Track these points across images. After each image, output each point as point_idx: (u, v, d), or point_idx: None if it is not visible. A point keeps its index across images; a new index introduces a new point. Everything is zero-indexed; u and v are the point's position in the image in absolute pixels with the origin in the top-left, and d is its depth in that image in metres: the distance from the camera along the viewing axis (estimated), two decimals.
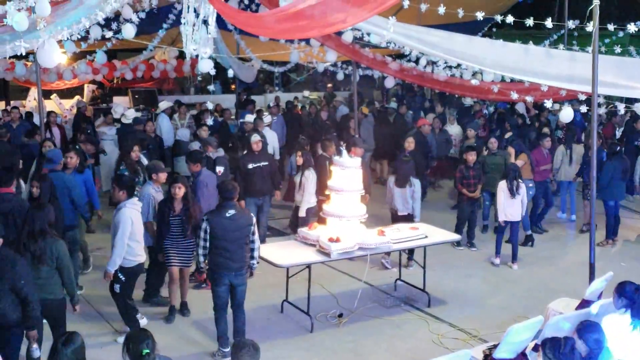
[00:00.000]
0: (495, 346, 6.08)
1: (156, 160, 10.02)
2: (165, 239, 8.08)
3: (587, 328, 5.19)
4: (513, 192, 10.09)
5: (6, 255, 5.94)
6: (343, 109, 18.65)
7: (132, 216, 7.44)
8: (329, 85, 25.02)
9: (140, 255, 7.63)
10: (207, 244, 7.30)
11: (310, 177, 10.45)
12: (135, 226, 7.47)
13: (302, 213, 10.50)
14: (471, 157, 11.06)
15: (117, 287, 7.50)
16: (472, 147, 11.76)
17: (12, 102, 19.23)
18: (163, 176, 8.73)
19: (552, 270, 10.17)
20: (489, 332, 7.71)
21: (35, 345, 5.97)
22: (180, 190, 8.01)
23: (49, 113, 14.55)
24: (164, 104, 15.63)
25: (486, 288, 9.47)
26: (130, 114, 14.57)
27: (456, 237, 9.71)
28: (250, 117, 13.87)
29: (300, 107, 19.04)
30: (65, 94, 19.83)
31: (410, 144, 11.76)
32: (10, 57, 11.68)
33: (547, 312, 7.18)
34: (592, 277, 7.67)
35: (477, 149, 11.78)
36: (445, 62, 11.10)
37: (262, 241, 9.84)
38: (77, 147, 10.89)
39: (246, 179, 10.22)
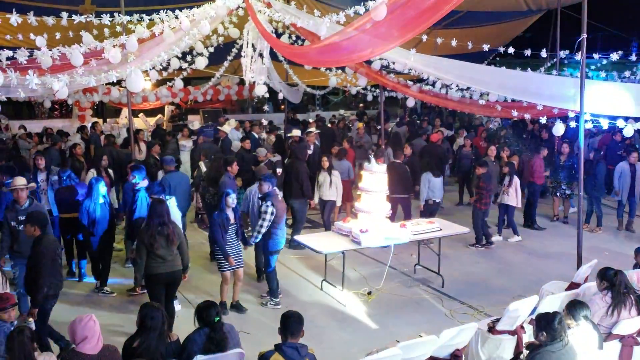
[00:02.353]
0: (498, 320, 6.00)
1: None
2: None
3: (576, 306, 5.09)
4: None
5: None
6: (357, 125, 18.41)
7: None
8: (361, 105, 24.99)
9: None
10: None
11: (340, 177, 10.62)
12: None
13: (339, 203, 10.64)
14: (478, 170, 10.50)
15: None
16: (483, 162, 10.78)
17: (108, 120, 19.61)
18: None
19: (546, 258, 9.97)
20: (493, 309, 7.59)
21: (30, 319, 5.85)
22: (233, 202, 7.51)
23: (138, 131, 14.34)
24: (233, 122, 15.58)
25: (490, 272, 9.33)
26: (227, 128, 14.33)
27: (465, 230, 9.52)
28: (296, 131, 13.81)
29: (336, 123, 18.99)
30: (150, 113, 20.14)
31: (406, 149, 11.96)
32: (107, 84, 11.95)
33: (541, 292, 7.05)
34: (579, 263, 7.51)
35: (483, 162, 10.80)
36: (457, 85, 10.97)
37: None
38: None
39: (311, 182, 10.36)
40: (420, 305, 8.02)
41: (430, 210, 10.35)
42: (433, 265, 8.98)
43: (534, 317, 5.00)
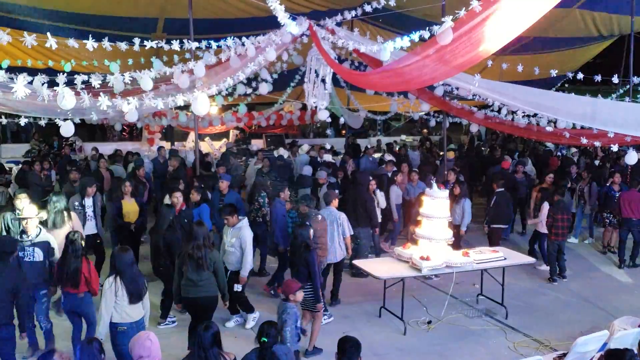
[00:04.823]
0: (564, 355, 5.78)
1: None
2: None
3: None
4: None
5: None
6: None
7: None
8: (424, 130, 24.76)
9: None
10: None
11: (384, 199, 10.70)
12: None
13: None
14: (556, 197, 10.04)
15: (239, 287, 7.66)
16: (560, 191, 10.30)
17: (175, 144, 20.27)
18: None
19: (617, 291, 9.52)
20: (559, 343, 7.29)
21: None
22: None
23: (207, 154, 14.53)
24: (306, 146, 15.74)
25: (557, 304, 8.97)
26: (284, 153, 14.89)
27: (531, 260, 9.21)
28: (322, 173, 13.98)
29: (398, 148, 18.91)
30: (215, 137, 20.70)
31: (449, 175, 11.50)
32: (175, 108, 12.44)
33: (612, 327, 6.71)
34: None
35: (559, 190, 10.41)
36: (524, 112, 10.75)
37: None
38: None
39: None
40: (482, 337, 7.78)
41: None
42: (496, 295, 8.73)
43: (603, 353, 4.77)
